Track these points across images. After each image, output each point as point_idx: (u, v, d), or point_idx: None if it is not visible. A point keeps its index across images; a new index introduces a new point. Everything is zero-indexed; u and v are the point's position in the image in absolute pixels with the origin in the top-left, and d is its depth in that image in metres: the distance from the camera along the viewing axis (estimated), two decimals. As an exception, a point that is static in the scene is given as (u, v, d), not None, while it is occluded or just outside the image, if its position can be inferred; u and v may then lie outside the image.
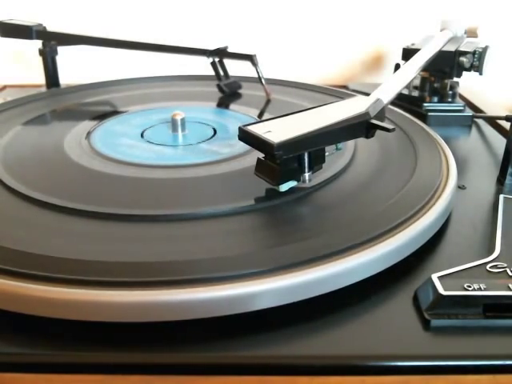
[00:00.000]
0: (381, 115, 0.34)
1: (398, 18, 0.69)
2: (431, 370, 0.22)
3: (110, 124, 0.46)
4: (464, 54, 0.50)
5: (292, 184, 0.32)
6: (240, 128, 0.31)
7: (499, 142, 0.47)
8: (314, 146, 0.31)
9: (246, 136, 0.31)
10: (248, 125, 0.32)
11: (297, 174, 0.32)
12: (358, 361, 0.22)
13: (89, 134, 0.43)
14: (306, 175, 0.32)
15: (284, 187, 0.31)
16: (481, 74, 0.51)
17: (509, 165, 0.38)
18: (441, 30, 0.57)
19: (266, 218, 0.30)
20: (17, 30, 0.57)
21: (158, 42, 0.55)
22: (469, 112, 0.53)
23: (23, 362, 0.22)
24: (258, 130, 0.31)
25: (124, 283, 0.24)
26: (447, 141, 0.42)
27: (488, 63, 0.50)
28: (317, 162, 0.32)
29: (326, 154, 0.33)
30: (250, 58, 0.54)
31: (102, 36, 0.56)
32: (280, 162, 0.30)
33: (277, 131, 0.30)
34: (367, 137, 0.33)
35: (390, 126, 0.31)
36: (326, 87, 0.59)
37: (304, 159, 0.31)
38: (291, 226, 0.29)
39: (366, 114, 0.32)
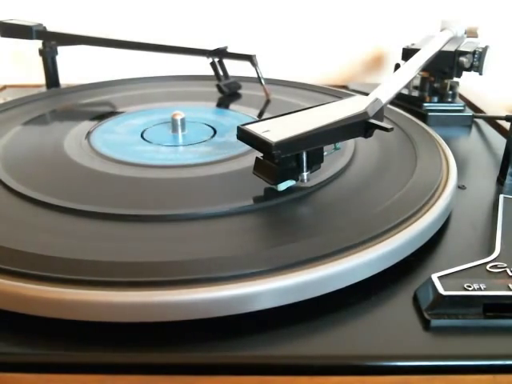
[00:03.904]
0: (380, 115, 0.34)
1: (398, 18, 0.69)
2: (431, 370, 0.22)
3: (110, 124, 0.46)
4: (464, 53, 0.50)
5: (290, 183, 0.32)
6: (239, 127, 0.31)
7: (499, 142, 0.47)
8: (313, 145, 0.31)
9: (244, 135, 0.31)
10: (246, 124, 0.32)
11: (295, 174, 0.32)
12: (357, 361, 0.22)
13: (89, 134, 0.43)
14: (305, 175, 0.32)
15: (282, 186, 0.31)
16: (481, 74, 0.51)
17: (509, 165, 0.38)
18: (441, 30, 0.57)
19: (265, 218, 0.30)
20: (17, 30, 0.57)
21: (158, 42, 0.55)
22: (469, 112, 0.53)
23: (23, 361, 0.22)
24: (257, 129, 0.31)
25: (124, 283, 0.24)
26: (447, 141, 0.42)
27: (488, 63, 0.50)
28: (315, 161, 0.32)
29: (325, 153, 0.33)
30: (249, 58, 0.54)
31: (101, 36, 0.56)
32: (278, 161, 0.30)
33: (275, 130, 0.30)
34: (365, 136, 0.33)
35: (389, 126, 0.31)
36: (326, 87, 0.59)
37: (302, 159, 0.31)
38: (291, 226, 0.29)
39: (365, 113, 0.32)
